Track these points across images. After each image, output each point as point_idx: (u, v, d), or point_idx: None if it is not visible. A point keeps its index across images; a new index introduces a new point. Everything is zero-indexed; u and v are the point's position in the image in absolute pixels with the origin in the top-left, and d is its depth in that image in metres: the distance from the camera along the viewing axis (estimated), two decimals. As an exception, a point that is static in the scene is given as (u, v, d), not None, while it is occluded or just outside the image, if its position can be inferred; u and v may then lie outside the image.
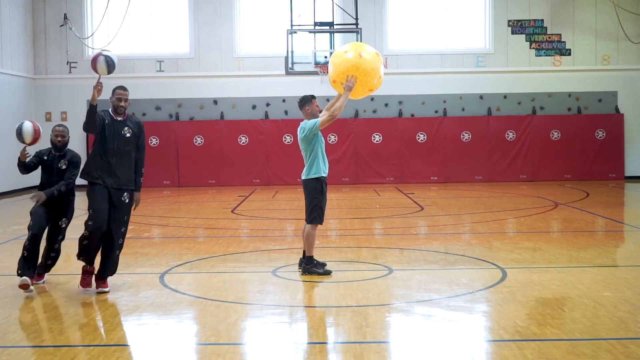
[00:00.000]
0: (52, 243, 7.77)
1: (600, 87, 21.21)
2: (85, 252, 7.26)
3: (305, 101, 8.01)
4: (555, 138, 20.92)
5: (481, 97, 21.27)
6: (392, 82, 20.15)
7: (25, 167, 8.41)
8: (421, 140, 21.10)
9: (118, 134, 7.62)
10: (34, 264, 7.41)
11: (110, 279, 7.94)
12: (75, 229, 12.53)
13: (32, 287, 7.19)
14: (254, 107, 21.34)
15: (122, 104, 7.92)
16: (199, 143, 21.03)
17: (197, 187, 20.67)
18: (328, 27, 17.37)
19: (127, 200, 7.53)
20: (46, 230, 7.75)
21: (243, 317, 6.33)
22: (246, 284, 7.67)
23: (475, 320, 6.20)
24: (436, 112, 21.34)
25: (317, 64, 17.10)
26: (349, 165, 21.04)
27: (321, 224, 7.98)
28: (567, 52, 21.13)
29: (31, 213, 7.69)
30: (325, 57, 16.85)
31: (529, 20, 21.16)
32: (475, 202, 15.66)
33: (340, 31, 18.13)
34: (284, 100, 21.08)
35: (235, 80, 21.25)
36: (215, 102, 21.33)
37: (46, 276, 7.84)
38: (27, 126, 8.36)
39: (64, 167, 8.43)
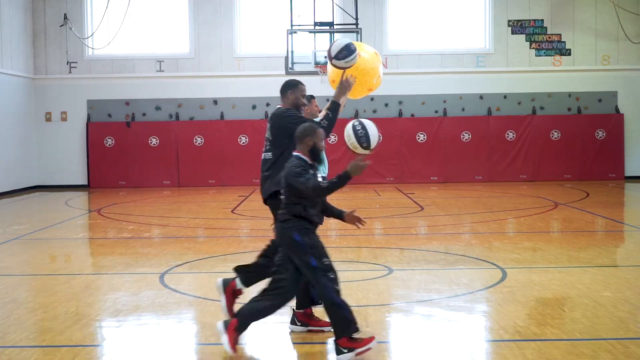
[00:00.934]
0: None
1: (600, 87, 21.20)
2: None
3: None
4: (555, 138, 20.92)
5: (481, 97, 21.27)
6: (392, 82, 20.14)
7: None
8: (421, 140, 21.10)
9: None
10: None
11: (110, 279, 7.94)
12: (73, 229, 12.53)
13: None
14: (254, 107, 21.34)
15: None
16: (199, 143, 21.02)
17: (197, 187, 20.67)
18: (328, 27, 17.35)
19: None
20: None
21: (243, 317, 6.33)
22: (246, 284, 7.66)
23: (475, 320, 6.20)
24: (436, 112, 21.33)
25: (317, 64, 17.08)
26: (349, 165, 21.00)
27: (321, 223, 7.97)
28: (567, 52, 21.13)
29: None
30: (325, 57, 16.82)
31: (529, 20, 21.16)
32: (475, 202, 15.66)
33: (340, 31, 18.11)
34: (284, 100, 21.05)
35: (235, 80, 21.24)
36: (215, 102, 21.32)
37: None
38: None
39: None
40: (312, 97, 8.11)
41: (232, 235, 11.27)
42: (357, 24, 17.89)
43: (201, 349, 5.46)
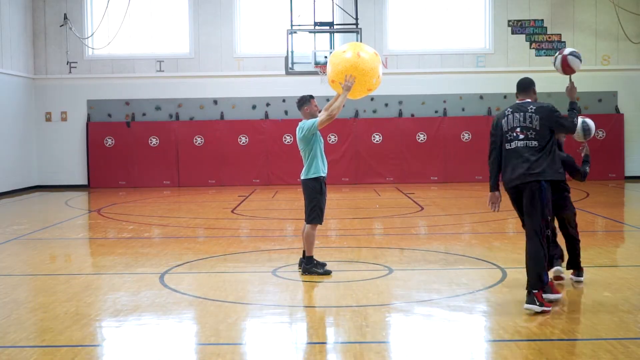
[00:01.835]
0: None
1: (600, 87, 21.20)
2: None
3: (304, 101, 8.01)
4: (555, 138, 20.89)
5: (481, 97, 21.27)
6: (392, 82, 20.14)
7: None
8: (421, 140, 21.10)
9: None
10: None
11: (110, 279, 7.95)
12: (73, 229, 12.54)
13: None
14: (254, 107, 21.34)
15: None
16: (199, 143, 21.03)
17: (197, 187, 20.67)
18: (328, 27, 17.36)
19: None
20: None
21: (243, 317, 6.33)
22: (246, 284, 7.67)
23: (475, 320, 6.20)
24: (436, 112, 21.33)
25: (317, 64, 17.08)
26: (349, 165, 21.03)
27: (321, 224, 7.98)
28: (567, 52, 21.10)
29: None
30: (325, 57, 16.82)
31: (529, 20, 21.16)
32: (475, 202, 15.65)
33: (340, 31, 18.11)
34: (284, 100, 21.08)
35: (235, 80, 21.24)
36: (215, 102, 21.32)
37: None
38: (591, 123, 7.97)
39: None
40: (311, 97, 8.12)
41: (232, 235, 11.28)
42: (357, 24, 17.89)
43: (201, 349, 5.47)
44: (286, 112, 21.17)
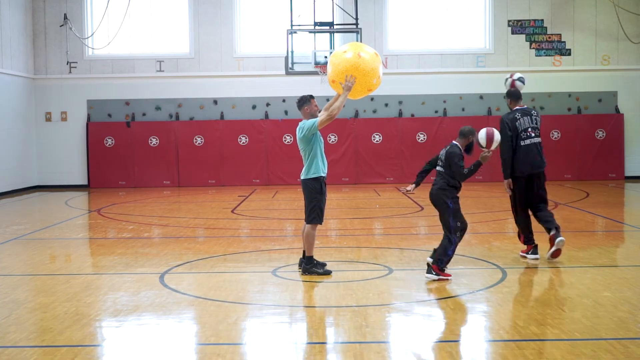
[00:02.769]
0: None
1: (600, 87, 21.20)
2: None
3: (304, 101, 8.01)
4: (555, 138, 20.92)
5: (481, 97, 21.27)
6: (392, 82, 20.15)
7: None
8: (421, 140, 21.10)
9: None
10: None
11: (110, 279, 7.95)
12: (73, 229, 12.55)
13: None
14: (254, 107, 21.34)
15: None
16: (199, 143, 21.02)
17: (197, 187, 20.67)
18: (328, 27, 17.36)
19: None
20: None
21: (243, 317, 6.33)
22: (246, 284, 7.67)
23: (475, 320, 6.20)
24: (436, 112, 21.34)
25: (317, 64, 17.08)
26: (349, 165, 21.04)
27: (321, 224, 7.98)
28: (567, 52, 21.13)
29: None
30: (325, 57, 16.83)
31: (529, 20, 21.16)
32: (475, 202, 15.65)
33: (340, 31, 18.11)
34: (284, 100, 21.08)
35: (235, 80, 21.24)
36: (215, 102, 21.32)
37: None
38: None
39: None
40: (311, 97, 8.13)
41: (232, 235, 11.28)
42: (357, 24, 17.89)
43: (201, 349, 5.47)
44: (286, 112, 21.17)
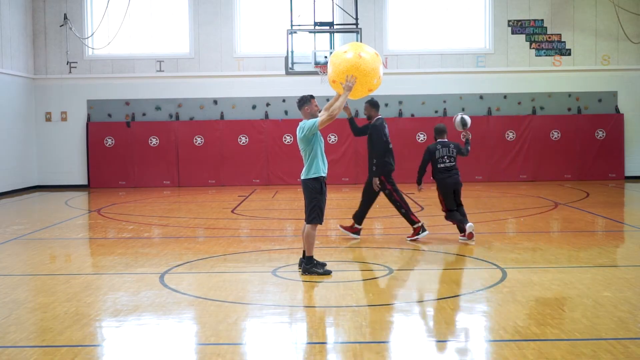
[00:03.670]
0: None
1: (600, 87, 21.20)
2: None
3: (304, 101, 8.01)
4: (555, 138, 20.92)
5: (481, 97, 21.27)
6: (392, 82, 20.15)
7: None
8: (421, 140, 21.09)
9: None
10: None
11: (110, 279, 7.95)
12: (73, 229, 12.55)
13: None
14: (254, 107, 21.34)
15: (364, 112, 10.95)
16: (199, 143, 21.02)
17: (197, 187, 20.67)
18: (328, 27, 17.35)
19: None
20: None
21: (243, 317, 6.33)
22: (246, 284, 7.67)
23: (475, 320, 6.20)
24: (436, 112, 21.33)
25: (317, 64, 17.08)
26: (349, 165, 21.03)
27: (321, 224, 7.99)
28: (567, 52, 21.13)
29: None
30: (325, 57, 16.83)
31: (529, 20, 21.16)
32: (475, 202, 15.66)
33: (340, 31, 18.11)
34: (284, 100, 21.08)
35: (235, 80, 21.24)
36: (215, 102, 21.32)
37: None
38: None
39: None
40: (311, 96, 8.13)
41: (232, 235, 11.28)
42: (357, 24, 17.89)
43: (201, 349, 5.47)
44: (286, 112, 21.17)
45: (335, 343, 5.57)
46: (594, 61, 21.16)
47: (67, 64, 21.15)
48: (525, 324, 5.83)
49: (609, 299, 6.58)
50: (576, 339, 5.42)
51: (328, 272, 7.84)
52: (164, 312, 6.46)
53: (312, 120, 7.81)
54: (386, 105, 21.27)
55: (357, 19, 18.09)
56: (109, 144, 21.02)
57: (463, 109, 21.30)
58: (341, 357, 5.22)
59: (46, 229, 12.32)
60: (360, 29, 17.41)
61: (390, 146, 10.80)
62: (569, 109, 21.12)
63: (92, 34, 20.80)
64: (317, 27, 17.26)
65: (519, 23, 21.17)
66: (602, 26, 21.10)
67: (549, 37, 21.14)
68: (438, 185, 10.82)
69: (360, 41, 16.57)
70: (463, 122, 10.93)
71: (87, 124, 21.15)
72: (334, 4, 18.06)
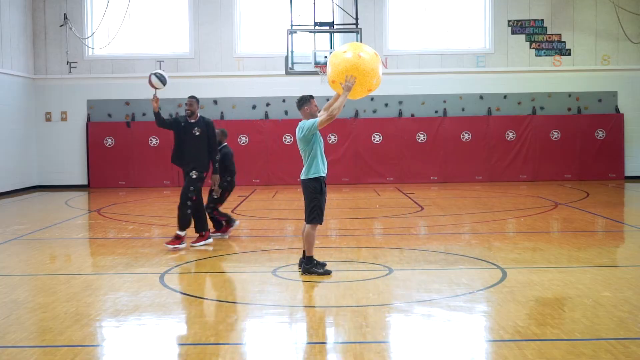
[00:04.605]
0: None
1: (600, 87, 21.20)
2: None
3: (304, 101, 8.01)
4: (555, 138, 20.92)
5: (481, 97, 21.27)
6: (392, 82, 20.15)
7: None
8: (421, 140, 21.10)
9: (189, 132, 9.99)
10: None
11: (110, 279, 7.95)
12: (73, 229, 12.54)
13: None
14: (254, 107, 21.34)
15: (187, 108, 10.27)
16: (199, 143, 20.99)
17: (197, 187, 20.64)
18: (328, 27, 17.35)
19: (193, 176, 10.50)
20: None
21: (243, 317, 6.34)
22: (246, 284, 7.67)
23: (475, 320, 6.20)
24: (436, 112, 21.34)
25: (317, 64, 17.08)
26: (349, 165, 21.03)
27: (321, 224, 7.98)
28: (567, 52, 21.13)
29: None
30: (325, 57, 16.82)
31: (529, 20, 21.16)
32: (475, 202, 15.66)
33: (340, 31, 18.11)
34: (284, 100, 21.08)
35: (235, 80, 21.24)
36: (215, 102, 21.32)
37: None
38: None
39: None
40: (310, 97, 8.13)
41: (232, 235, 11.27)
42: (357, 24, 17.89)
43: (201, 349, 5.46)
44: (286, 112, 21.17)
45: (335, 343, 5.57)
46: (594, 61, 21.16)
47: (67, 64, 21.15)
48: (525, 324, 5.83)
49: (609, 299, 6.58)
50: (576, 339, 5.42)
51: (328, 272, 7.84)
52: (164, 312, 6.46)
53: (311, 121, 7.81)
54: (386, 105, 21.28)
55: (357, 19, 18.09)
56: (109, 144, 21.02)
57: (463, 109, 21.31)
58: (341, 357, 5.22)
59: (46, 229, 12.31)
60: (360, 29, 17.41)
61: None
62: (569, 109, 21.13)
63: (92, 34, 20.79)
64: (317, 27, 17.26)
65: (519, 23, 21.17)
66: (602, 26, 21.11)
67: (549, 37, 21.14)
68: None
69: (360, 41, 16.57)
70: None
71: (87, 124, 21.15)
72: (334, 4, 18.06)
